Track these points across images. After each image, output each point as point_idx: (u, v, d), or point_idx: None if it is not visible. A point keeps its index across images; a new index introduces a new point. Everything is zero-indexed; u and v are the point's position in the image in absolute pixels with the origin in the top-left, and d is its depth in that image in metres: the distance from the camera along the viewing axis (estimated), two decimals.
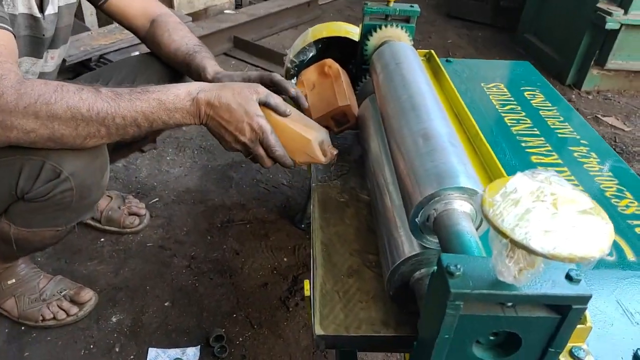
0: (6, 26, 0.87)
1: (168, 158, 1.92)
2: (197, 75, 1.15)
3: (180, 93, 0.88)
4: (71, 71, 2.03)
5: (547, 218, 0.41)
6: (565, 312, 0.48)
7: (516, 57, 3.10)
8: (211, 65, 1.15)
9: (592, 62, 2.72)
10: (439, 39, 3.27)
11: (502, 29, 3.43)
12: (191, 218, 1.65)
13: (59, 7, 1.09)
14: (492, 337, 0.52)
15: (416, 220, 0.68)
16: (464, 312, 0.47)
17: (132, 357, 1.21)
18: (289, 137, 0.95)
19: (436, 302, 0.50)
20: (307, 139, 0.96)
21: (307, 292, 0.83)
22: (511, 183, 0.43)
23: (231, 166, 1.91)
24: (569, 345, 0.58)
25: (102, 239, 1.53)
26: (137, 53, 2.04)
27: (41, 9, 1.04)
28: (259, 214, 1.69)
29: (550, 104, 1.13)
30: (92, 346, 1.23)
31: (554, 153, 0.95)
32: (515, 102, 1.12)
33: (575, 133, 1.03)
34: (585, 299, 0.47)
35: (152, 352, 1.21)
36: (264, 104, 0.93)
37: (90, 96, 0.83)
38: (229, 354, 1.23)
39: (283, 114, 0.94)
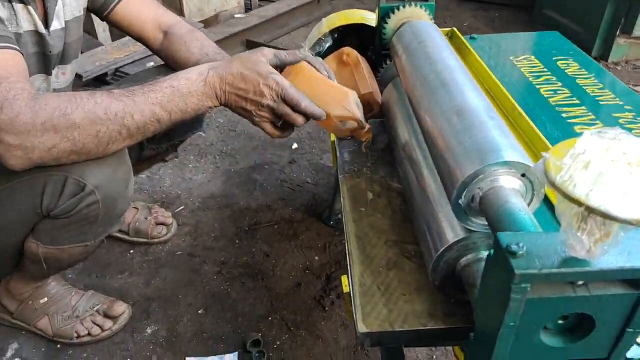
0: (13, 46, 0.84)
1: (190, 166, 1.90)
2: None
3: (192, 76, 0.85)
4: (87, 86, 2.04)
5: (624, 180, 0.35)
6: None
7: None
8: None
9: (619, 32, 2.61)
10: (455, 23, 3.18)
11: (520, 7, 3.33)
12: (218, 223, 1.63)
13: (66, 22, 1.07)
14: (561, 321, 0.47)
15: (460, 202, 0.63)
16: (531, 296, 0.42)
17: None
18: (324, 91, 0.91)
19: (497, 288, 0.44)
20: (344, 91, 0.92)
21: (345, 289, 0.78)
22: (580, 144, 0.37)
23: (254, 169, 1.88)
24: None
25: (132, 251, 1.52)
26: (152, 64, 2.03)
27: (46, 24, 1.01)
28: (286, 214, 1.65)
29: (587, 72, 1.06)
30: (129, 359, 1.21)
31: (598, 122, 0.88)
32: (549, 73, 1.06)
33: (618, 99, 0.96)
34: None
35: None
36: (279, 64, 0.91)
37: (105, 99, 0.80)
38: (268, 358, 1.19)
39: (298, 61, 0.92)
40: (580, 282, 0.43)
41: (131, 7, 1.18)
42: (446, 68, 0.82)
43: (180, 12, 2.71)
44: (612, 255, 0.41)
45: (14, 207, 0.92)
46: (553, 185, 0.37)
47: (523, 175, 0.61)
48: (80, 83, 1.91)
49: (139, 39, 1.24)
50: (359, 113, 0.94)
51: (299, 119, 0.89)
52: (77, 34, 1.14)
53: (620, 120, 0.89)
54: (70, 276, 1.42)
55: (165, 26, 1.22)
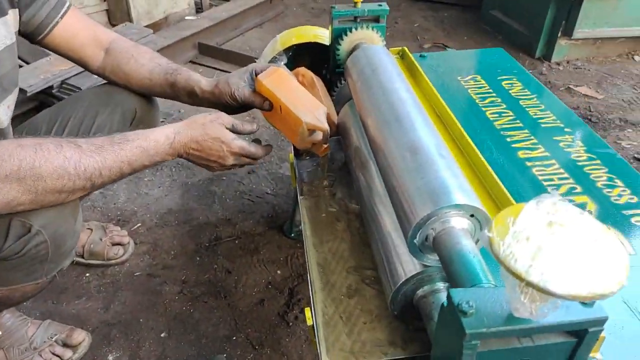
0: None
1: (146, 179, 1.87)
2: (189, 91, 1.12)
3: (159, 139, 0.92)
4: (33, 100, 1.96)
5: (561, 254, 0.39)
6: (582, 335, 0.46)
7: (484, 35, 3.10)
8: (202, 78, 1.13)
9: (560, 33, 2.73)
10: (406, 24, 3.24)
11: (467, 7, 3.42)
12: (177, 240, 1.61)
13: None
14: None
15: (415, 241, 0.66)
16: (481, 349, 0.45)
17: None
18: (299, 98, 1.02)
19: (451, 339, 0.48)
20: (317, 102, 1.02)
21: (309, 321, 0.80)
22: (519, 221, 0.40)
23: (212, 180, 1.87)
24: None
25: (87, 274, 1.48)
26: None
27: None
28: (246, 227, 1.66)
29: (529, 92, 1.12)
30: None
31: (539, 146, 0.94)
32: (494, 95, 1.11)
33: (558, 121, 1.02)
34: (601, 322, 0.45)
35: None
36: (233, 129, 1.00)
37: (74, 154, 0.82)
38: None
39: (246, 132, 1.03)
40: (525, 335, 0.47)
41: (69, 29, 1.13)
42: (399, 100, 0.85)
43: (127, 15, 2.63)
44: (552, 311, 0.45)
45: None
46: (497, 258, 0.40)
47: (471, 215, 0.65)
48: (24, 97, 1.83)
49: (77, 60, 1.19)
50: (327, 125, 0.99)
51: (257, 160, 1.04)
52: (12, 62, 1.06)
53: (561, 144, 0.95)
54: (25, 304, 1.37)
55: (106, 43, 1.18)
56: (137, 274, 1.49)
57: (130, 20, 2.60)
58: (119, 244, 1.53)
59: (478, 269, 0.57)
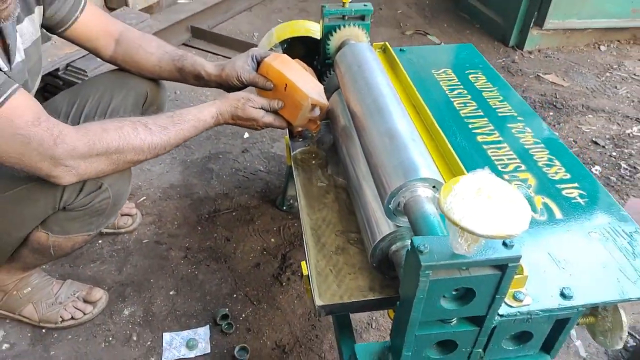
0: (18, 86, 0.94)
1: None
2: (195, 74, 1.29)
3: (207, 119, 1.15)
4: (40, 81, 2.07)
5: (484, 208, 0.58)
6: (504, 269, 0.66)
7: (463, 23, 3.28)
8: (206, 63, 1.30)
9: (532, 24, 2.92)
10: (389, 10, 3.39)
11: None
12: (179, 212, 1.78)
13: (25, 50, 1.12)
14: (454, 292, 0.70)
15: (390, 206, 0.85)
16: (432, 278, 0.65)
17: (149, 342, 1.36)
18: (304, 77, 1.20)
19: (412, 273, 0.67)
20: (318, 83, 1.22)
21: (305, 272, 0.99)
22: (457, 186, 0.59)
23: (209, 158, 2.03)
24: (512, 290, 0.77)
25: (100, 241, 1.65)
26: None
27: (8, 60, 1.07)
28: (242, 201, 1.84)
29: (491, 85, 1.30)
30: (111, 338, 1.37)
31: (495, 132, 1.13)
32: (461, 86, 1.29)
33: (513, 111, 1.21)
34: (517, 259, 0.65)
35: (167, 336, 1.37)
36: (262, 108, 1.21)
37: (146, 135, 1.05)
38: (236, 329, 1.40)
39: (273, 109, 1.22)
40: (464, 268, 0.66)
41: (87, 23, 1.27)
42: (380, 95, 1.02)
43: (124, 0, 2.72)
44: (484, 250, 0.64)
45: (33, 202, 1.07)
46: (442, 212, 0.59)
47: (434, 186, 0.84)
48: None
49: (91, 50, 1.34)
50: (327, 102, 1.21)
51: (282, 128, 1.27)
52: (38, 54, 1.21)
53: (513, 130, 1.15)
54: (45, 267, 1.54)
55: (115, 34, 1.32)
56: (145, 241, 1.66)
57: (127, 4, 2.70)
58: (127, 214, 1.69)
59: (436, 226, 0.76)
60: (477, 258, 0.63)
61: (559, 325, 0.81)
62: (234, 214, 1.78)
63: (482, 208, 0.58)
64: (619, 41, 3.11)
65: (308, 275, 0.99)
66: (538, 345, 0.84)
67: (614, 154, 2.19)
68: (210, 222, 1.75)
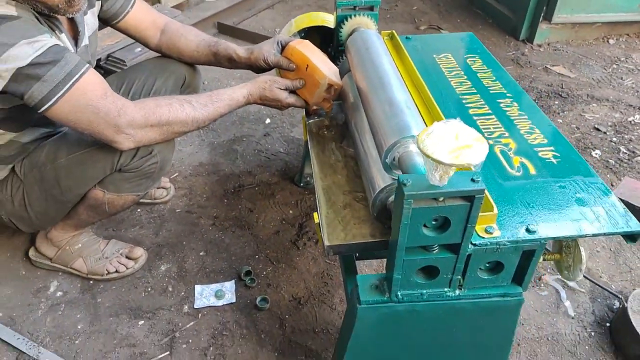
0: (89, 67, 1.15)
1: (179, 139, 2.23)
2: (228, 57, 1.50)
3: (239, 99, 1.34)
4: None
5: (452, 145, 0.75)
6: (472, 200, 0.83)
7: (476, 19, 3.41)
8: (237, 47, 1.50)
9: (541, 18, 3.05)
10: (405, 7, 3.55)
11: None
12: (208, 186, 1.98)
13: (88, 37, 1.38)
14: (434, 222, 0.87)
15: (386, 160, 1.02)
16: (414, 206, 0.82)
17: (183, 293, 1.56)
18: (323, 60, 1.37)
19: (398, 204, 0.84)
20: (334, 65, 1.40)
21: (316, 220, 1.17)
22: (431, 128, 0.76)
23: (234, 141, 2.23)
24: (484, 225, 0.93)
25: (139, 210, 1.86)
26: (139, 49, 2.31)
27: (75, 44, 1.31)
28: (264, 178, 2.03)
29: (486, 67, 1.46)
30: (150, 289, 1.58)
31: (485, 106, 1.29)
32: (459, 69, 1.46)
33: (503, 89, 1.37)
34: (482, 191, 0.81)
35: (198, 287, 1.56)
36: (286, 88, 1.40)
37: (190, 111, 1.25)
38: (257, 283, 1.59)
39: (297, 88, 1.40)
40: (441, 198, 0.83)
41: (137, 16, 1.50)
42: (384, 72, 1.20)
43: None
44: (455, 184, 0.81)
45: (95, 164, 1.28)
46: (419, 149, 0.76)
47: None
48: None
49: (140, 39, 1.56)
50: (341, 82, 1.39)
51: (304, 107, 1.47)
52: (95, 41, 1.45)
53: (501, 105, 1.31)
54: (92, 227, 1.75)
55: (161, 25, 1.55)
56: (177, 210, 1.87)
57: (159, 2, 2.93)
58: (162, 187, 1.90)
59: (423, 173, 0.93)
60: (450, 189, 0.80)
61: (527, 257, 0.97)
62: (256, 188, 1.97)
63: (450, 145, 0.75)
64: (627, 35, 3.20)
65: (319, 224, 1.16)
66: (509, 276, 1.00)
67: (614, 139, 2.31)
68: (235, 196, 1.94)
